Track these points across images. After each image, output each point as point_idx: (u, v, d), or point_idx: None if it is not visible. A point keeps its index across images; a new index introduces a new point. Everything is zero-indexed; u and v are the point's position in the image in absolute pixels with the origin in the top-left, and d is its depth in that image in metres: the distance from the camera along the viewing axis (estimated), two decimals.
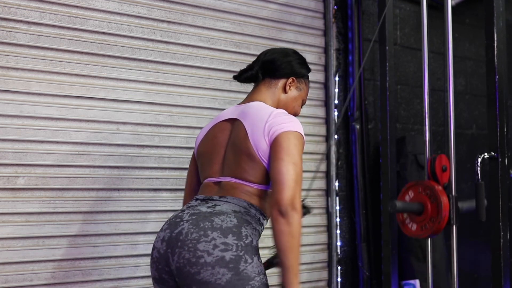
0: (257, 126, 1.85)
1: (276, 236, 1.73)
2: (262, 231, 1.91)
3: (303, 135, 1.86)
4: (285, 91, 2.03)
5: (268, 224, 1.98)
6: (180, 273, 1.74)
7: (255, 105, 1.96)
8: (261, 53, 2.10)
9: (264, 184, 1.87)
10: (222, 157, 1.94)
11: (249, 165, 1.85)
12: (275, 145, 1.80)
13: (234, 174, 1.88)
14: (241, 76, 2.06)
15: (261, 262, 1.78)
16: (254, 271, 1.73)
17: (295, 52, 2.10)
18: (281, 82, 2.03)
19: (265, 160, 1.83)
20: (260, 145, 1.83)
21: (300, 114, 2.11)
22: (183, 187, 2.80)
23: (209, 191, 1.92)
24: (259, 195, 1.87)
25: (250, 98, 2.04)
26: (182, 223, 1.79)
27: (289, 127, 1.82)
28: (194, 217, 1.79)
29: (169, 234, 1.80)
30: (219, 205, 1.83)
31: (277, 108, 1.98)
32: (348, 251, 3.38)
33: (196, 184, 2.07)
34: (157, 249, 1.82)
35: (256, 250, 1.78)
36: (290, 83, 2.03)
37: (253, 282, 1.72)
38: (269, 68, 2.03)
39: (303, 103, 2.12)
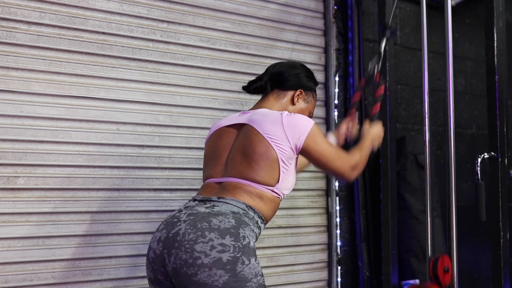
0: (273, 128, 1.89)
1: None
2: (259, 234, 1.91)
3: (312, 120, 1.96)
4: (293, 102, 2.08)
5: (268, 224, 1.99)
6: (176, 274, 1.74)
7: (262, 111, 2.01)
8: (270, 66, 2.16)
9: (270, 186, 1.88)
10: (225, 158, 1.96)
11: (261, 165, 1.87)
12: (310, 151, 1.93)
13: (240, 174, 1.88)
14: (250, 87, 2.11)
15: (258, 263, 1.78)
16: (251, 272, 1.73)
17: (302, 65, 2.16)
18: (289, 94, 2.08)
19: (283, 159, 1.89)
20: (283, 147, 1.88)
21: None
22: (183, 187, 2.83)
23: (208, 191, 1.93)
24: (261, 197, 1.87)
25: (257, 106, 2.09)
26: (179, 223, 1.79)
27: (307, 125, 1.92)
28: (192, 217, 1.79)
29: (165, 235, 1.79)
30: (218, 206, 1.83)
31: None
32: (348, 251, 3.38)
33: None
34: (153, 250, 1.82)
35: (253, 252, 1.78)
36: (298, 95, 2.09)
37: (250, 283, 1.72)
38: (277, 80, 2.08)
39: (309, 116, 2.14)
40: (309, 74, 2.15)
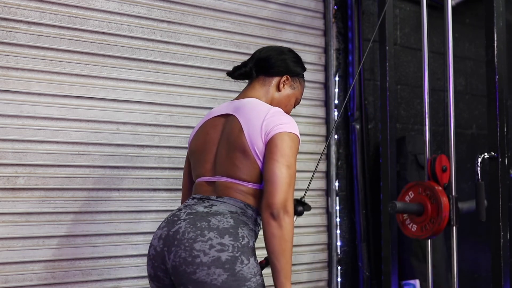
0: (253, 123, 1.83)
1: (267, 239, 1.74)
2: (259, 231, 1.90)
3: (299, 136, 1.86)
4: (278, 89, 2.01)
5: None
6: (175, 272, 1.74)
7: (250, 101, 1.93)
8: (256, 51, 2.08)
9: (258, 183, 1.85)
10: (214, 154, 1.92)
11: (243, 163, 1.83)
12: (270, 145, 1.79)
13: (227, 173, 1.85)
14: (235, 73, 2.04)
15: (257, 263, 1.78)
16: (250, 272, 1.73)
17: (290, 51, 2.08)
18: (275, 80, 2.01)
19: (260, 159, 1.81)
20: (256, 143, 1.81)
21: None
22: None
23: (204, 190, 1.91)
24: (254, 195, 1.85)
25: (244, 94, 2.01)
26: (179, 222, 1.80)
27: (286, 128, 1.82)
28: (191, 216, 1.79)
29: (166, 233, 1.80)
30: (216, 205, 1.83)
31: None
32: (348, 251, 3.38)
33: (192, 184, 2.05)
34: (154, 247, 1.82)
35: (252, 251, 1.78)
36: (284, 81, 2.01)
37: (249, 283, 1.72)
38: (263, 66, 2.01)
39: (297, 103, 2.09)
40: (297, 59, 2.07)
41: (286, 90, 2.02)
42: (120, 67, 2.68)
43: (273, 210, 1.72)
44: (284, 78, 2.01)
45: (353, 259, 3.41)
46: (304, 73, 2.10)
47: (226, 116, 1.94)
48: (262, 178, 1.82)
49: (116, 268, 2.64)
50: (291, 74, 2.02)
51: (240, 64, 2.05)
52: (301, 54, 2.20)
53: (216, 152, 1.92)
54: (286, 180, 1.74)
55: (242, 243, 1.75)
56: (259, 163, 1.82)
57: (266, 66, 2.00)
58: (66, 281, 2.51)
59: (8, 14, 2.43)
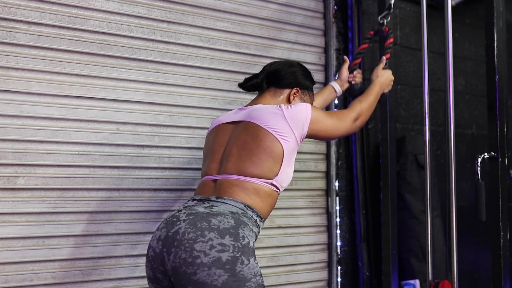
0: (277, 124, 1.90)
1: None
2: (258, 233, 1.92)
3: (307, 103, 2.03)
4: (289, 100, 2.09)
5: (268, 224, 1.99)
6: (175, 273, 1.74)
7: (259, 106, 2.01)
8: (266, 65, 2.17)
9: (268, 179, 1.88)
10: (220, 155, 1.97)
11: (262, 159, 1.87)
12: (315, 132, 1.99)
13: (236, 170, 1.89)
14: (246, 84, 2.12)
15: (257, 263, 1.79)
16: (250, 272, 1.74)
17: (299, 64, 2.17)
18: (285, 92, 2.09)
19: (290, 156, 1.91)
20: (289, 139, 1.90)
21: None
22: (183, 187, 2.84)
23: (205, 190, 1.93)
24: (258, 193, 1.87)
25: (254, 103, 2.10)
26: (179, 222, 1.80)
27: (306, 112, 1.95)
28: (191, 217, 1.80)
29: (165, 234, 1.80)
30: (216, 206, 1.84)
31: None
32: (348, 251, 3.38)
33: None
34: (153, 248, 1.83)
35: (252, 252, 1.79)
36: (294, 93, 2.09)
37: (249, 283, 1.72)
38: (274, 77, 2.09)
39: None
40: (306, 73, 2.15)
41: (296, 102, 2.09)
42: (120, 67, 2.68)
43: (355, 131, 2.19)
44: (294, 90, 2.09)
45: (353, 259, 3.41)
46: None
47: (236, 123, 2.00)
48: (278, 173, 1.90)
49: (116, 268, 2.64)
50: (300, 86, 2.11)
51: (251, 75, 2.13)
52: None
53: (223, 153, 1.96)
54: (342, 128, 2.05)
55: (243, 243, 1.75)
56: (287, 159, 1.91)
57: (276, 78, 2.09)
58: (66, 281, 2.51)
59: (8, 14, 2.43)
